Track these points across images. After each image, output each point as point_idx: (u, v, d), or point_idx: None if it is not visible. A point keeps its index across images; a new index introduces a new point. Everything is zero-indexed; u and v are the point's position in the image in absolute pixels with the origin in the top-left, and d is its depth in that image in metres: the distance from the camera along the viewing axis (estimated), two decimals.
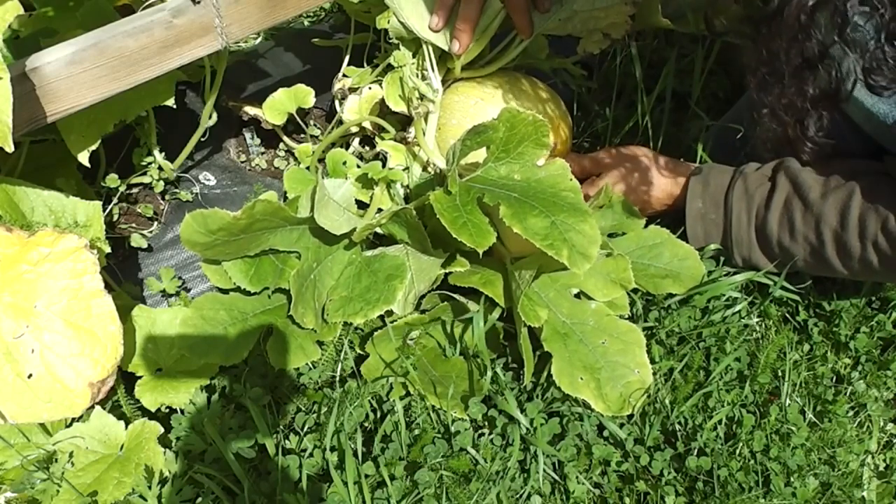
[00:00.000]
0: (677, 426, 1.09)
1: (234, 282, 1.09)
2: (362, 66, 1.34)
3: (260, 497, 1.00)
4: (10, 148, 0.82)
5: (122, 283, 1.18)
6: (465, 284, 1.10)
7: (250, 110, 1.31)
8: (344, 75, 1.33)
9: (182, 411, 1.05)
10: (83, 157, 1.06)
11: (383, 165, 1.18)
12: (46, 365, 0.88)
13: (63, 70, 0.92)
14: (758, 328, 1.22)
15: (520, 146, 1.02)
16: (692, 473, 1.05)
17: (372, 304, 1.05)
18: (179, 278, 1.21)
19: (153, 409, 1.03)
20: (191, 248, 1.04)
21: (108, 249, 1.04)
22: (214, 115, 1.21)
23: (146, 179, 1.24)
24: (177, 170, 1.27)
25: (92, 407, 0.94)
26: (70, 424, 1.01)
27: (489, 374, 1.06)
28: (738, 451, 1.07)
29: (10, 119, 0.82)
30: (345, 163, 1.22)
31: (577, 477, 1.04)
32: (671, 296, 1.17)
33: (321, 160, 1.28)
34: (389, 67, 1.20)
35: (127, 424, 1.01)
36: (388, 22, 1.13)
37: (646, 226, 1.21)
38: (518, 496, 1.03)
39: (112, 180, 1.20)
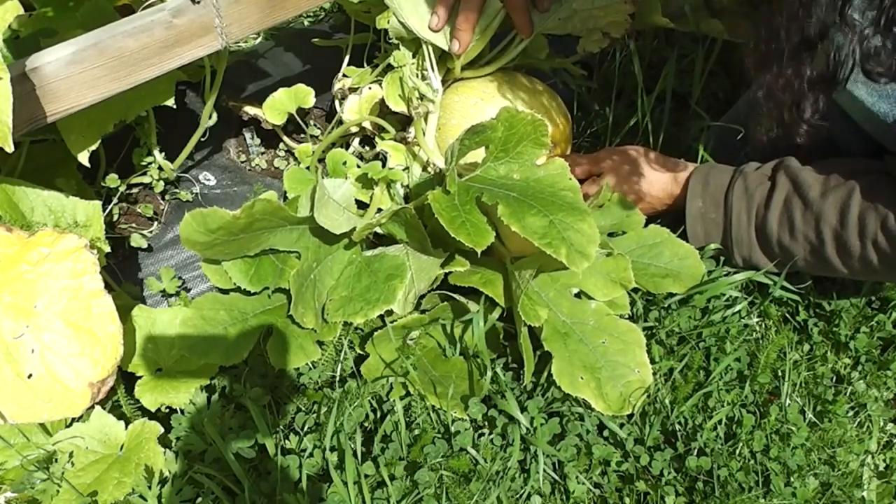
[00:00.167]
0: (677, 426, 1.09)
1: (234, 282, 1.09)
2: (362, 66, 1.34)
3: (260, 497, 1.00)
4: (10, 148, 0.82)
5: (122, 283, 1.18)
6: (464, 284, 1.10)
7: (250, 110, 1.31)
8: (344, 75, 1.33)
9: (182, 411, 1.05)
10: (83, 157, 1.07)
11: (383, 165, 1.18)
12: (46, 365, 0.88)
13: (63, 70, 0.93)
14: (758, 328, 1.22)
15: (519, 146, 1.02)
16: (692, 473, 1.05)
17: (372, 303, 1.05)
18: (179, 278, 1.21)
19: (153, 409, 1.03)
20: (190, 247, 1.04)
21: (108, 249, 1.04)
22: (214, 115, 1.21)
23: (146, 179, 1.24)
24: (177, 170, 1.27)
25: (92, 407, 0.94)
26: (70, 424, 1.01)
27: (489, 373, 1.06)
28: (738, 451, 1.07)
29: (10, 119, 0.82)
30: (345, 163, 1.22)
31: (577, 477, 1.04)
32: (671, 295, 1.17)
33: (321, 160, 1.28)
34: (389, 67, 1.20)
35: (127, 424, 1.01)
36: (388, 22, 1.13)
37: (645, 225, 1.21)
38: (518, 496, 1.03)
39: (112, 180, 1.20)
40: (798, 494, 1.04)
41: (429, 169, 1.19)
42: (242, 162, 1.39)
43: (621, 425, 1.08)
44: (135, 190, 1.28)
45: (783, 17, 0.86)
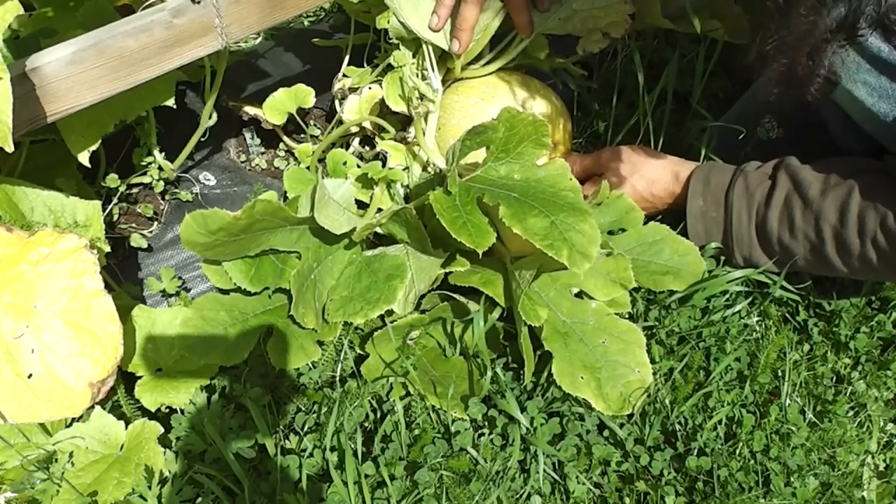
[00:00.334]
0: (677, 426, 1.09)
1: (234, 282, 1.09)
2: (362, 66, 1.34)
3: (260, 497, 1.00)
4: (10, 148, 0.82)
5: (122, 283, 1.18)
6: (465, 284, 1.10)
7: (250, 110, 1.31)
8: (344, 75, 1.33)
9: (182, 411, 1.05)
10: (83, 157, 1.06)
11: (383, 165, 1.18)
12: (46, 365, 0.88)
13: (63, 70, 0.93)
14: (758, 328, 1.22)
15: (519, 146, 1.02)
16: (692, 473, 1.05)
17: (372, 303, 1.05)
18: (179, 278, 1.21)
19: (153, 409, 1.03)
20: (191, 248, 1.04)
21: (107, 249, 1.04)
22: (214, 115, 1.21)
23: (146, 179, 1.24)
24: (177, 170, 1.27)
25: (92, 407, 0.94)
26: (70, 424, 1.01)
27: (489, 373, 1.06)
28: (738, 451, 1.07)
29: (10, 119, 0.82)
30: (345, 163, 1.22)
31: (577, 477, 1.04)
32: (671, 293, 1.17)
33: (321, 160, 1.28)
34: (389, 67, 1.20)
35: (127, 424, 1.01)
36: (388, 22, 1.13)
37: (645, 223, 1.21)
38: (518, 496, 1.03)
39: (112, 180, 1.20)
40: (798, 494, 1.04)
41: (429, 169, 1.19)
42: (242, 162, 1.39)
43: (621, 425, 1.08)
44: (135, 190, 1.28)
45: None
